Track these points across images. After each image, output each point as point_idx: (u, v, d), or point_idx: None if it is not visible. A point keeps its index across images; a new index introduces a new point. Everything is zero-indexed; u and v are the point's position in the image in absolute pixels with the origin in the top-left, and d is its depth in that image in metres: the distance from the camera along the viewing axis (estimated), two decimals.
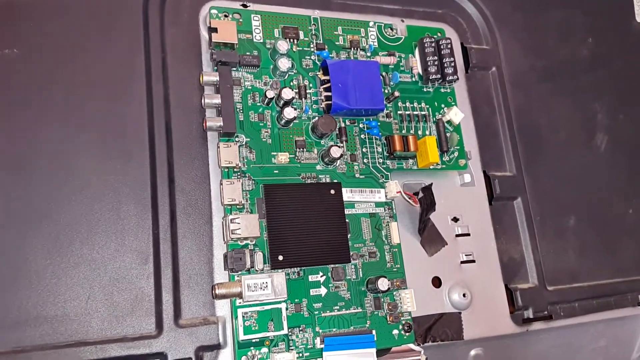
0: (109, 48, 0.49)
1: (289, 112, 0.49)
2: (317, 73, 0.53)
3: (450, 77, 0.56)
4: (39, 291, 0.42)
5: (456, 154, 0.56)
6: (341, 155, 0.50)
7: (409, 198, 0.53)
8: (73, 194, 0.45)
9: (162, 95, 0.49)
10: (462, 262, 0.54)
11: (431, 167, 0.54)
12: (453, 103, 0.58)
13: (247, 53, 0.50)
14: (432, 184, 0.53)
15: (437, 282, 0.53)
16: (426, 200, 0.53)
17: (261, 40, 0.52)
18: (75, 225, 0.44)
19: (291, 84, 0.52)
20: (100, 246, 0.44)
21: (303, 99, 0.51)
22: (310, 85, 0.53)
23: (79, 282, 0.43)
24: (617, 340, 0.61)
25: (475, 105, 0.60)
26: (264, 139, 0.49)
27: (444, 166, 0.55)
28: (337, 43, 0.55)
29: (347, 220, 0.50)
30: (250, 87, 0.50)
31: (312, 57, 0.53)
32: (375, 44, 0.56)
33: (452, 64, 0.56)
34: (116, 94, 0.48)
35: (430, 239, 0.53)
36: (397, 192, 0.52)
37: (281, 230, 0.47)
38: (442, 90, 0.58)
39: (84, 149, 0.46)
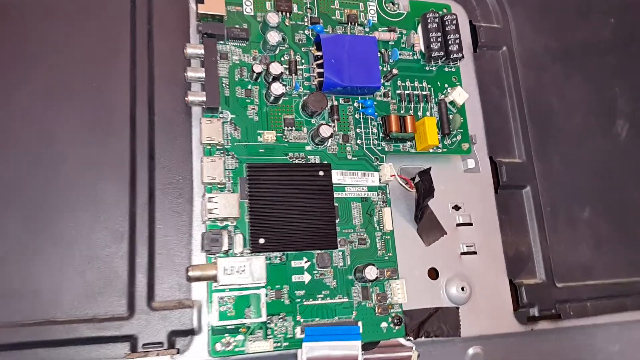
0: (93, 18, 0.47)
1: (277, 88, 0.46)
2: (311, 49, 0.50)
3: (455, 55, 0.52)
4: (8, 267, 0.41)
5: (459, 137, 0.52)
6: (331, 135, 0.47)
7: (405, 183, 0.49)
8: (49, 167, 0.43)
9: (147, 69, 0.47)
10: (462, 254, 0.51)
11: (431, 150, 0.51)
12: (457, 83, 0.54)
13: (236, 26, 0.48)
14: (430, 168, 0.49)
15: (433, 273, 0.50)
16: (424, 185, 0.49)
17: (252, 13, 0.49)
18: (49, 199, 0.42)
19: (282, 59, 0.49)
20: (75, 222, 0.42)
21: (293, 74, 0.49)
22: (303, 61, 0.50)
23: (51, 259, 0.41)
24: (633, 345, 0.56)
25: (484, 86, 0.56)
26: (250, 116, 0.47)
27: (445, 150, 0.52)
28: (333, 17, 0.52)
29: (335, 204, 0.47)
30: (238, 62, 0.48)
31: (306, 32, 0.50)
32: (375, 19, 0.53)
33: (457, 41, 0.52)
34: (99, 66, 0.46)
35: (428, 227, 0.50)
36: (392, 176, 0.48)
37: (264, 212, 0.44)
38: (446, 69, 0.54)
39: (62, 121, 0.44)
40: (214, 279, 0.41)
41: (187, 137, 0.46)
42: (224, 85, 0.47)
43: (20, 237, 0.41)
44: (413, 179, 0.50)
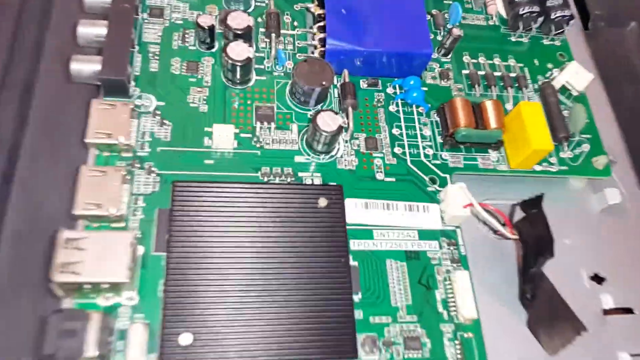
0: None
1: (238, 50, 0.25)
2: (310, 5, 0.30)
3: (559, 13, 0.31)
4: None
5: (586, 147, 0.28)
6: (340, 130, 0.24)
7: (499, 221, 0.25)
8: None
9: (34, 34, 0.28)
10: None
11: (537, 166, 0.27)
12: (565, 60, 0.31)
13: None
14: (542, 195, 0.25)
15: None
16: (533, 230, 0.25)
17: None
18: None
19: (259, 20, 0.29)
20: None
21: (273, 36, 0.28)
22: (296, 23, 0.29)
23: None
24: None
25: (605, 77, 0.34)
26: (193, 104, 0.26)
27: (563, 168, 0.28)
28: None
29: (353, 263, 0.23)
30: (180, 22, 0.28)
31: None
32: None
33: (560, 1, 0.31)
34: None
35: (550, 317, 0.25)
36: (467, 206, 0.24)
37: (197, 279, 0.21)
38: (546, 41, 0.32)
39: None
40: None
41: (78, 141, 0.25)
42: (150, 55, 0.26)
43: None
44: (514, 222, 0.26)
